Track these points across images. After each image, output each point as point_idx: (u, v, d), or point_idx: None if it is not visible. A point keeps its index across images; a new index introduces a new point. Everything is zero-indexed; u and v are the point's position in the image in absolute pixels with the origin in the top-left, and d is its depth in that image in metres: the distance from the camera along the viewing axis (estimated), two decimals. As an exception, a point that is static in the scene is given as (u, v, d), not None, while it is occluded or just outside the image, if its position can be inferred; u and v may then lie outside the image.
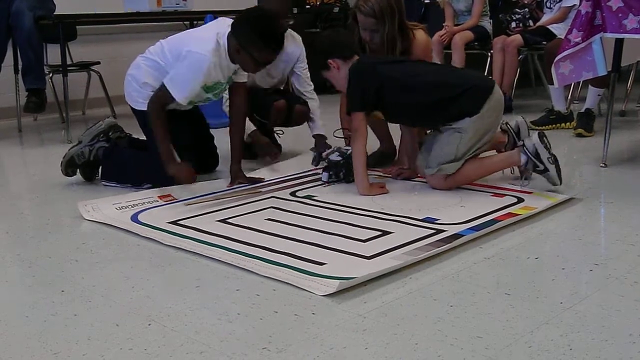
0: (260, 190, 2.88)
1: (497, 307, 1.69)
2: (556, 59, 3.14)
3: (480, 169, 2.80)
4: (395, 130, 3.26)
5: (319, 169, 3.07)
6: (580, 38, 3.01)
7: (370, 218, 2.44)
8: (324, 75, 2.88)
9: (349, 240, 2.20)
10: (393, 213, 2.47)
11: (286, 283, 1.87)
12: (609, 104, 3.29)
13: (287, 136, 3.72)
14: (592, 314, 1.64)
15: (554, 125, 4.11)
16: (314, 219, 2.47)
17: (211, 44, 2.73)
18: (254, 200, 2.73)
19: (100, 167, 3.12)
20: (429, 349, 1.48)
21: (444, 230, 2.25)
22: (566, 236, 2.32)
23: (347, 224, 2.38)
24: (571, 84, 4.44)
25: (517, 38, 4.79)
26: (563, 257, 2.05)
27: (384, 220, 2.40)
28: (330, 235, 2.25)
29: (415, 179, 2.97)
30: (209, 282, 1.92)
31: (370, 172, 2.90)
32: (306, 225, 2.38)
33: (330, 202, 2.67)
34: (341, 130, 3.25)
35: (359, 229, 2.32)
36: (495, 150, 3.00)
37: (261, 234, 2.30)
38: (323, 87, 4.07)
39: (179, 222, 2.46)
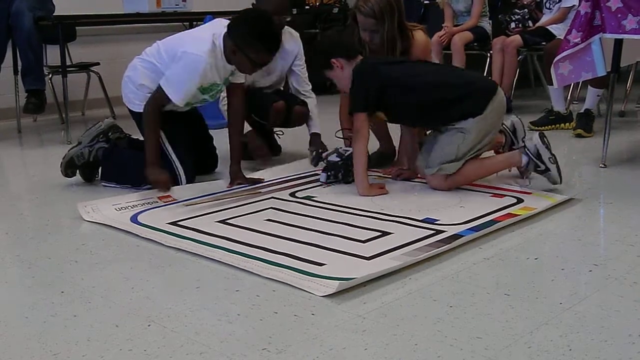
0: (260, 191, 2.88)
1: (497, 308, 1.69)
2: (555, 59, 3.14)
3: (480, 169, 2.80)
4: (394, 130, 3.26)
5: (319, 169, 3.07)
6: (579, 38, 3.01)
7: (370, 219, 2.44)
8: (326, 75, 2.88)
9: (348, 240, 2.20)
10: (392, 214, 2.47)
11: (286, 284, 1.87)
12: (608, 105, 3.29)
13: (286, 136, 3.72)
14: (591, 314, 1.64)
15: (553, 126, 4.11)
16: (314, 219, 2.47)
17: (207, 45, 2.73)
18: (253, 201, 2.73)
19: (100, 168, 3.12)
20: (428, 350, 1.49)
21: (444, 231, 2.25)
22: (565, 237, 2.32)
23: (347, 224, 2.38)
24: (570, 85, 4.44)
25: (517, 39, 4.79)
26: (562, 258, 2.05)
27: (384, 221, 2.40)
28: (329, 236, 2.26)
29: (415, 180, 2.97)
30: (209, 283, 1.92)
31: (370, 172, 2.90)
32: (306, 226, 2.38)
33: (330, 202, 2.67)
34: (341, 131, 3.25)
35: (358, 229, 2.32)
36: (493, 151, 3.00)
37: (261, 234, 2.30)
38: (323, 87, 4.07)
39: (178, 222, 2.46)
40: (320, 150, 3.25)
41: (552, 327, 1.57)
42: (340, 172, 2.94)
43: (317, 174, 3.04)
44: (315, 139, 3.44)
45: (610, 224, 2.41)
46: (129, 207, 2.66)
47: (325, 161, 2.98)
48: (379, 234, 2.26)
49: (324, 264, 1.98)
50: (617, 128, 3.97)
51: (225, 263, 2.04)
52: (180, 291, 1.87)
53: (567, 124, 4.13)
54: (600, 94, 3.99)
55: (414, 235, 2.21)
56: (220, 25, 2.81)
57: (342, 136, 3.24)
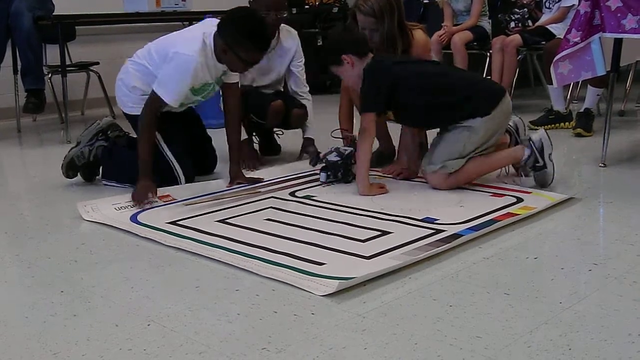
0: (260, 190, 2.88)
1: (497, 307, 1.69)
2: (555, 58, 3.14)
3: (483, 166, 2.80)
4: (394, 130, 3.26)
5: (317, 169, 3.07)
6: (579, 38, 3.01)
7: (370, 218, 2.44)
8: (334, 71, 2.87)
9: (348, 240, 2.20)
10: (392, 213, 2.47)
11: (285, 283, 1.87)
12: (608, 104, 3.29)
13: (286, 136, 3.72)
14: (591, 313, 1.64)
15: (553, 125, 4.11)
16: (313, 219, 2.47)
17: (197, 44, 2.73)
18: (253, 200, 2.73)
19: (101, 167, 3.12)
20: (428, 349, 1.49)
21: (444, 230, 2.25)
22: (565, 236, 2.32)
23: (347, 224, 2.38)
24: (570, 84, 4.44)
25: (516, 38, 4.79)
26: (562, 257, 2.05)
27: (384, 220, 2.40)
28: (329, 236, 2.26)
29: (415, 179, 2.97)
30: (209, 283, 1.92)
31: (370, 172, 2.89)
32: (305, 226, 2.38)
33: (330, 202, 2.67)
34: (339, 130, 3.25)
35: (358, 229, 2.32)
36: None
37: (260, 234, 2.30)
38: (323, 87, 4.07)
39: (178, 222, 2.46)
40: (318, 151, 3.25)
41: (552, 326, 1.57)
42: (339, 172, 2.94)
43: (317, 174, 3.04)
44: (307, 143, 3.43)
45: (610, 223, 2.42)
46: (129, 207, 2.66)
47: (324, 161, 2.98)
48: (379, 233, 2.26)
49: (324, 264, 1.98)
50: (616, 127, 3.97)
51: (225, 262, 2.04)
52: (179, 291, 1.87)
53: (567, 123, 4.13)
54: (600, 93, 3.99)
55: (413, 235, 2.21)
56: (210, 25, 2.80)
57: (338, 136, 3.23)
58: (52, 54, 4.81)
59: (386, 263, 1.96)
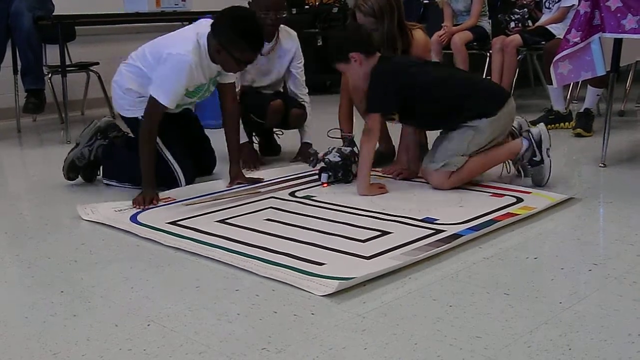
0: (260, 190, 2.88)
1: (496, 307, 1.69)
2: (555, 59, 3.14)
3: (484, 162, 2.81)
4: (393, 130, 3.26)
5: (317, 169, 3.06)
6: (579, 38, 3.01)
7: (370, 218, 2.44)
8: (339, 68, 2.86)
9: (348, 240, 2.20)
10: (392, 213, 2.47)
11: (285, 283, 1.87)
12: (607, 104, 3.29)
13: (286, 137, 3.72)
14: (591, 313, 1.64)
15: (553, 125, 4.11)
16: (313, 219, 2.47)
17: (191, 44, 2.73)
18: (253, 200, 2.73)
19: (101, 166, 3.12)
20: (428, 349, 1.49)
21: (443, 231, 2.25)
22: (565, 236, 2.32)
23: (347, 224, 2.38)
24: (570, 84, 4.44)
25: (516, 38, 4.79)
26: (562, 257, 2.05)
27: (383, 221, 2.40)
28: (329, 236, 2.25)
29: (415, 180, 2.97)
30: (209, 283, 1.92)
31: (370, 172, 2.89)
32: (305, 226, 2.38)
33: (330, 202, 2.67)
34: (338, 130, 3.25)
35: (358, 229, 2.32)
36: None
37: (260, 234, 2.30)
38: (323, 87, 4.07)
39: (178, 222, 2.46)
40: (317, 152, 3.24)
41: (552, 326, 1.57)
42: (340, 172, 2.94)
43: (317, 174, 3.03)
44: (305, 148, 3.43)
45: (610, 224, 2.42)
46: (129, 207, 2.66)
47: (324, 161, 2.97)
48: (379, 233, 2.26)
49: (324, 264, 1.98)
50: (616, 127, 3.97)
51: (225, 262, 2.04)
52: (179, 291, 1.87)
53: (567, 123, 4.13)
54: (600, 93, 3.99)
55: (413, 235, 2.21)
56: (204, 25, 2.79)
57: (336, 136, 3.22)
58: (52, 54, 4.81)
59: (386, 263, 1.96)
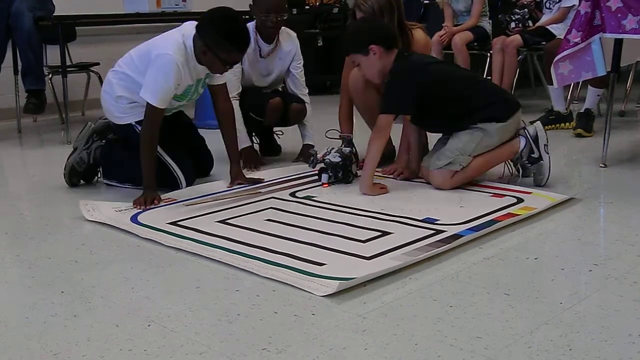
0: (260, 190, 2.88)
1: (497, 308, 1.69)
2: (555, 59, 3.14)
3: (486, 162, 2.82)
4: (394, 130, 3.25)
5: (317, 170, 3.06)
6: (579, 38, 3.01)
7: (370, 218, 2.44)
8: (354, 59, 2.84)
9: (348, 240, 2.20)
10: (393, 213, 2.47)
11: (286, 284, 1.87)
12: (608, 104, 3.29)
13: (286, 137, 3.72)
14: (591, 314, 1.64)
15: (553, 126, 4.11)
16: (314, 219, 2.47)
17: (176, 44, 2.73)
18: (253, 200, 2.73)
19: (101, 167, 3.12)
20: (428, 350, 1.49)
21: (444, 231, 2.25)
22: (566, 236, 2.32)
23: (347, 224, 2.38)
24: (570, 84, 4.44)
25: (517, 38, 4.79)
26: (562, 258, 2.05)
27: (384, 221, 2.40)
28: (329, 236, 2.25)
29: (415, 180, 2.97)
30: (209, 283, 1.92)
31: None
32: (306, 226, 2.38)
33: (330, 202, 2.67)
34: (335, 131, 3.25)
35: (358, 229, 2.32)
36: None
37: (261, 234, 2.30)
38: (323, 88, 4.07)
39: (178, 222, 2.46)
40: (317, 152, 3.24)
41: (552, 326, 1.57)
42: (340, 172, 2.94)
43: (317, 174, 3.03)
44: (306, 149, 3.43)
45: (610, 224, 2.41)
46: (130, 207, 2.66)
47: (324, 162, 2.97)
48: (379, 233, 2.26)
49: (324, 264, 1.98)
50: (617, 128, 3.97)
51: (225, 263, 2.04)
52: (180, 291, 1.87)
53: (567, 123, 4.13)
54: (601, 93, 3.99)
55: (414, 235, 2.21)
56: (190, 27, 2.79)
57: (334, 136, 3.22)
58: (52, 54, 4.81)
59: (386, 263, 1.96)
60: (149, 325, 1.65)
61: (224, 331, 1.61)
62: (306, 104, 3.50)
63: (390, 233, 2.26)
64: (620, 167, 3.19)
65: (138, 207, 2.65)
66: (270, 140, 3.72)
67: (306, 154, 3.33)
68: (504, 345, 1.49)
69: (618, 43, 3.05)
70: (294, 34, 3.52)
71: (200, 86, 2.94)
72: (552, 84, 3.51)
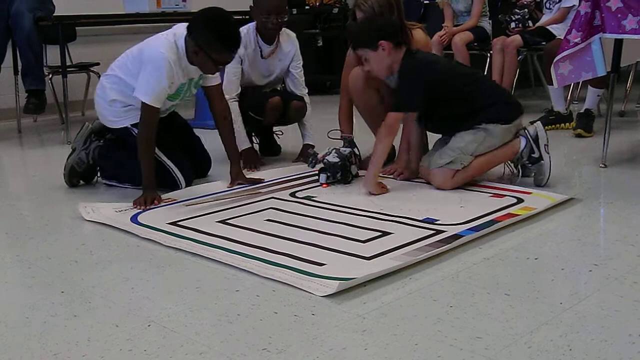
0: (260, 191, 2.88)
1: (497, 308, 1.69)
2: (555, 59, 3.14)
3: (487, 160, 2.81)
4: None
5: (316, 170, 3.06)
6: (579, 38, 3.01)
7: (370, 219, 2.44)
8: (361, 54, 2.82)
9: (348, 240, 2.20)
10: (392, 214, 2.47)
11: (286, 284, 1.87)
12: (608, 105, 3.29)
13: (286, 137, 3.72)
14: (591, 314, 1.64)
15: (553, 126, 4.11)
16: (314, 219, 2.47)
17: (167, 44, 2.73)
18: (253, 201, 2.73)
19: (99, 167, 3.12)
20: (428, 350, 1.48)
21: (444, 231, 2.25)
22: (566, 236, 2.32)
23: (347, 224, 2.38)
24: (571, 85, 4.44)
25: (517, 38, 4.79)
26: (562, 258, 2.05)
27: (384, 221, 2.40)
28: (329, 236, 2.25)
29: (415, 180, 2.97)
30: (209, 283, 1.92)
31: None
32: (306, 226, 2.38)
33: (330, 202, 2.67)
34: (338, 131, 3.25)
35: (358, 229, 2.32)
36: None
37: (261, 234, 2.30)
38: (323, 88, 4.06)
39: (178, 223, 2.46)
40: (316, 152, 3.24)
41: (552, 327, 1.57)
42: (338, 173, 2.94)
43: (317, 174, 3.03)
44: (306, 149, 3.42)
45: (611, 224, 2.41)
46: (130, 207, 2.66)
47: (323, 162, 2.97)
48: (379, 234, 2.26)
49: (324, 264, 1.98)
50: (617, 128, 3.97)
51: (225, 263, 2.04)
52: (180, 291, 1.87)
53: (567, 124, 4.13)
54: (601, 93, 3.99)
55: (414, 235, 2.21)
56: (181, 28, 2.79)
57: (336, 137, 3.22)
58: (52, 54, 4.81)
59: (386, 264, 1.96)
60: (149, 326, 1.65)
61: (224, 331, 1.61)
62: (306, 103, 3.51)
63: (390, 233, 2.26)
64: (620, 167, 3.19)
65: (138, 207, 2.65)
66: (270, 141, 3.72)
67: (306, 154, 3.33)
68: (504, 345, 1.49)
69: (618, 43, 3.05)
70: (294, 35, 3.52)
71: (192, 86, 2.94)
72: (552, 84, 3.51)
